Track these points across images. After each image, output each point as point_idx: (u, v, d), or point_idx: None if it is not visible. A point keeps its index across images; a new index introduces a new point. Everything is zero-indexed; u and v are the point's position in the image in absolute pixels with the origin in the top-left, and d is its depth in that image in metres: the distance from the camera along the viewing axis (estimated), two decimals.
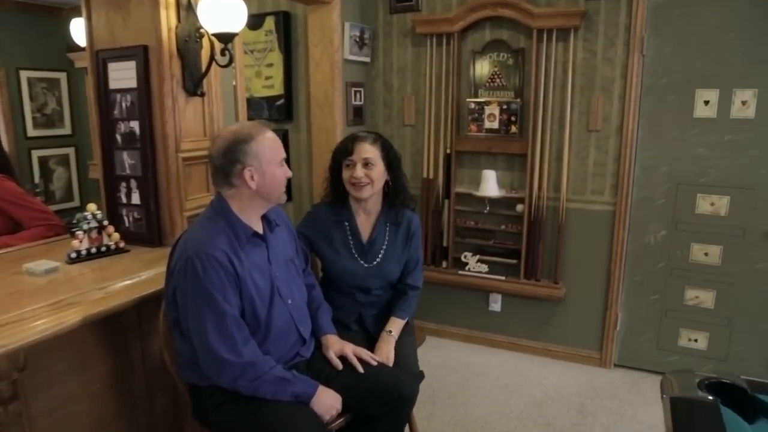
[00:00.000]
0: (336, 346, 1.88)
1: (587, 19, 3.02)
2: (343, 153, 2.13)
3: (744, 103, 2.84)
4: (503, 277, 3.42)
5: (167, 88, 2.16)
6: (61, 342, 1.71)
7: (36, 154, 5.03)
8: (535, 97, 3.15)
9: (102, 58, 2.25)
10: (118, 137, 2.25)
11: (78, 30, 2.49)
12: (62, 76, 5.24)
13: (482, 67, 3.30)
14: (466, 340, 3.66)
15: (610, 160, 3.12)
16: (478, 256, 3.47)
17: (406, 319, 2.19)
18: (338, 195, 2.18)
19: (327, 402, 1.67)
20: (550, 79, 3.12)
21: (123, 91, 2.23)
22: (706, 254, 3.06)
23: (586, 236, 3.25)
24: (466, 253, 3.50)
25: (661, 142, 3.03)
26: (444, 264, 3.60)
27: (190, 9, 2.13)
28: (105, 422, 1.99)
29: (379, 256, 2.17)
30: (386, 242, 2.19)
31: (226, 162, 1.63)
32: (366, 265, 2.16)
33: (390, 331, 2.11)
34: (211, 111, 2.37)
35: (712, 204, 2.99)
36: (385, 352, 2.04)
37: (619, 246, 3.18)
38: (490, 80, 3.28)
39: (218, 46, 2.14)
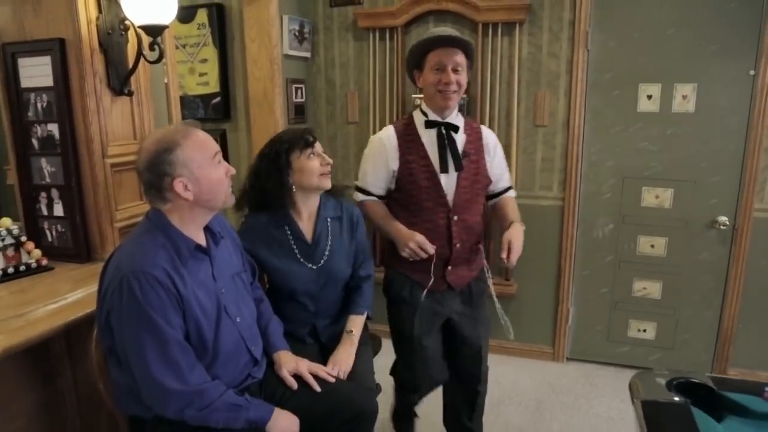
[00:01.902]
0: (290, 364, 1.74)
1: (532, 14, 2.99)
2: (304, 143, 1.94)
3: (684, 97, 2.88)
4: None
5: (89, 87, 1.95)
6: None
7: None
8: (481, 92, 3.10)
9: (10, 52, 2.00)
10: (35, 142, 2.01)
11: None
12: None
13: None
14: None
15: (557, 155, 3.11)
16: None
17: (365, 314, 2.06)
18: (278, 199, 1.97)
19: (283, 426, 1.53)
20: (496, 74, 3.08)
21: (38, 90, 1.99)
22: (652, 246, 3.11)
23: (536, 232, 3.22)
24: None
25: (607, 137, 3.05)
26: None
27: (114, 0, 1.92)
28: None
29: (326, 254, 2.02)
30: (330, 238, 2.03)
31: (154, 176, 1.44)
32: (313, 267, 1.99)
33: (351, 331, 1.98)
34: (141, 111, 2.16)
35: (657, 197, 3.04)
36: (344, 358, 1.91)
37: (568, 241, 3.18)
38: None
39: (146, 39, 1.93)
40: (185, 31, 3.42)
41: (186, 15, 3.37)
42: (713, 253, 3.01)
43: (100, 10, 1.93)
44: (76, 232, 1.99)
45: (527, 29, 3.02)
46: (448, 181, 2.02)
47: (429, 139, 2.03)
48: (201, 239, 1.55)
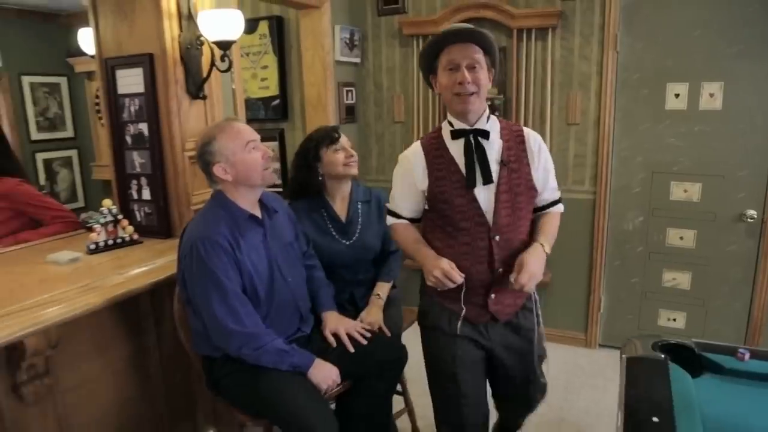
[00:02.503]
0: (331, 324, 2.07)
1: (564, 19, 3.20)
2: (329, 140, 2.33)
3: (711, 95, 3.02)
4: None
5: (172, 93, 2.34)
6: (87, 324, 1.90)
7: (40, 156, 5.21)
8: (516, 93, 3.34)
9: (110, 65, 2.43)
10: (128, 138, 2.43)
11: (86, 39, 2.66)
12: (62, 81, 5.41)
13: None
14: None
15: (589, 151, 3.31)
16: None
17: (392, 282, 2.40)
18: (314, 186, 2.34)
19: (323, 374, 1.86)
20: (531, 76, 3.31)
21: (131, 96, 2.41)
22: (681, 238, 3.25)
23: (569, 224, 3.40)
24: None
25: (636, 134, 3.22)
26: None
27: (191, 19, 2.31)
28: (125, 399, 2.18)
29: (357, 231, 2.38)
30: (361, 218, 2.40)
31: (203, 164, 1.87)
32: (347, 243, 2.35)
33: (378, 295, 2.33)
34: (212, 112, 2.55)
35: (686, 191, 3.18)
36: (373, 314, 2.25)
37: (600, 233, 3.37)
38: None
39: (218, 52, 2.31)
40: (249, 41, 3.83)
41: (249, 26, 3.78)
42: (742, 245, 3.12)
43: (181, 29, 2.32)
44: (160, 212, 2.40)
45: (560, 34, 3.23)
46: (486, 197, 1.74)
47: (458, 150, 1.76)
48: (255, 212, 1.91)
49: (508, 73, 3.37)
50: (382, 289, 2.37)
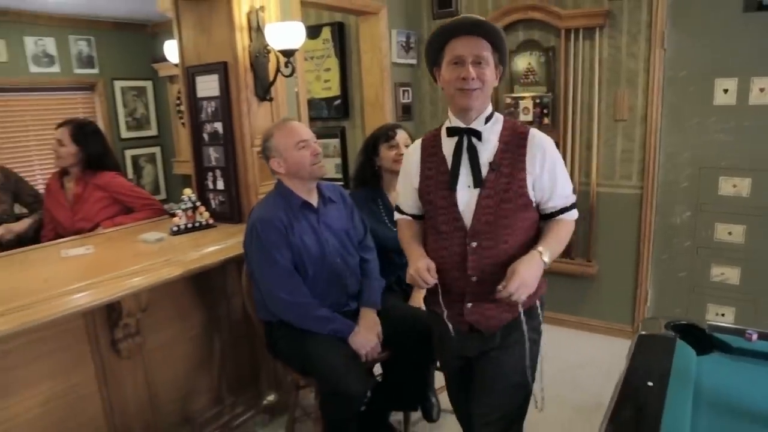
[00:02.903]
0: (358, 337, 2.17)
1: (611, 18, 3.30)
2: (385, 137, 2.61)
3: (762, 90, 3.04)
4: None
5: (242, 96, 2.67)
6: (169, 293, 2.26)
7: (129, 153, 5.79)
8: (564, 91, 3.46)
9: (191, 72, 2.79)
10: (205, 136, 2.79)
11: (170, 49, 3.03)
12: (148, 84, 5.98)
13: (517, 65, 3.63)
14: None
15: (636, 147, 3.39)
16: None
17: None
18: (372, 177, 2.64)
19: (361, 341, 2.13)
20: (578, 74, 3.42)
21: (208, 99, 2.75)
22: (729, 233, 3.27)
23: (616, 218, 3.53)
24: None
25: (684, 129, 3.27)
26: None
27: (259, 31, 2.62)
28: (199, 362, 2.54)
29: None
30: None
31: (264, 157, 2.21)
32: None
33: None
34: (277, 113, 2.86)
35: (734, 186, 3.21)
36: (417, 298, 2.48)
37: (646, 226, 3.44)
38: (524, 77, 3.62)
39: (282, 59, 2.61)
40: (313, 45, 4.14)
41: (313, 32, 4.09)
42: None
43: (251, 40, 2.64)
44: (232, 200, 2.74)
45: (607, 32, 3.33)
46: (468, 200, 1.66)
47: (451, 149, 1.69)
48: (312, 200, 2.18)
49: (556, 72, 3.50)
50: None
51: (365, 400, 2.12)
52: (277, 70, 2.69)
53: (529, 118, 3.58)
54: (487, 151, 1.66)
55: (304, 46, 3.54)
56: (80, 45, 5.24)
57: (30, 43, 4.90)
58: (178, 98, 5.26)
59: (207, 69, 2.72)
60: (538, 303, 1.76)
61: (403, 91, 3.96)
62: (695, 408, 1.37)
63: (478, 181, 1.64)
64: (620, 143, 3.44)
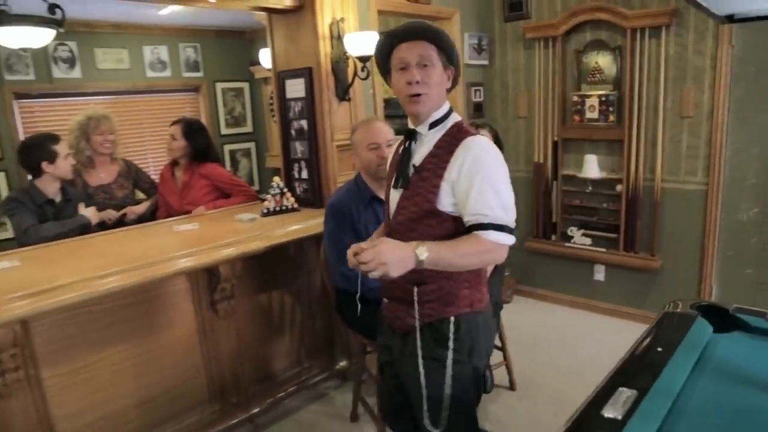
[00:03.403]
0: None
1: (678, 16, 3.37)
2: None
3: None
4: (604, 250, 3.88)
5: (324, 97, 3.04)
6: (258, 264, 2.67)
7: (227, 148, 6.39)
8: (630, 88, 3.57)
9: (281, 76, 3.20)
10: (293, 132, 3.19)
11: (264, 56, 3.47)
12: (245, 86, 6.57)
13: (584, 65, 3.78)
14: (572, 305, 4.16)
15: (702, 143, 3.44)
16: (582, 231, 3.97)
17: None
18: None
19: None
20: (644, 72, 3.52)
21: (295, 100, 3.15)
22: None
23: (681, 213, 3.60)
24: (571, 228, 4.02)
25: (751, 126, 3.29)
26: (553, 237, 4.14)
27: (340, 39, 2.97)
28: (282, 327, 2.95)
29: None
30: None
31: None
32: None
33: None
34: (355, 111, 3.21)
35: None
36: None
37: (712, 223, 3.49)
38: (590, 75, 3.76)
39: (359, 65, 2.96)
40: None
41: None
42: None
43: (332, 48, 3.01)
44: (314, 188, 3.13)
45: (674, 30, 3.40)
46: (395, 200, 1.70)
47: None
48: (382, 195, 2.48)
49: (622, 70, 3.62)
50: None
51: None
52: (355, 74, 3.04)
53: (595, 115, 3.72)
54: (420, 154, 1.65)
55: None
56: (188, 51, 5.89)
57: (147, 52, 5.59)
58: (271, 98, 5.77)
59: (295, 73, 3.12)
60: (451, 324, 1.64)
61: (475, 91, 4.20)
62: (700, 372, 1.56)
63: (404, 182, 1.65)
64: (686, 139, 3.50)
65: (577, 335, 3.73)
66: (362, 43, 2.85)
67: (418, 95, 1.57)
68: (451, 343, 1.64)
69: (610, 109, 3.67)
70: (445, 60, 1.62)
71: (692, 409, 1.38)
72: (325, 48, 2.99)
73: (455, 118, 1.67)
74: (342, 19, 3.00)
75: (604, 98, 3.68)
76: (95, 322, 2.30)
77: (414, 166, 1.63)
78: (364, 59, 2.91)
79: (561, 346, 3.56)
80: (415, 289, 1.63)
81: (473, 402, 1.75)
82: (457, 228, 1.59)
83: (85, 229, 2.91)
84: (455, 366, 1.64)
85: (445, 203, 1.58)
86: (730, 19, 1.82)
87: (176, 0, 2.93)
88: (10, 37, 2.95)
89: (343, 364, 3.17)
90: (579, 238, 3.97)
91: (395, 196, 1.69)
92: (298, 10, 3.00)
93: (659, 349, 1.64)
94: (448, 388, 1.64)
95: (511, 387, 3.09)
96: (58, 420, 2.26)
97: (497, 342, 3.04)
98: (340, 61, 3.03)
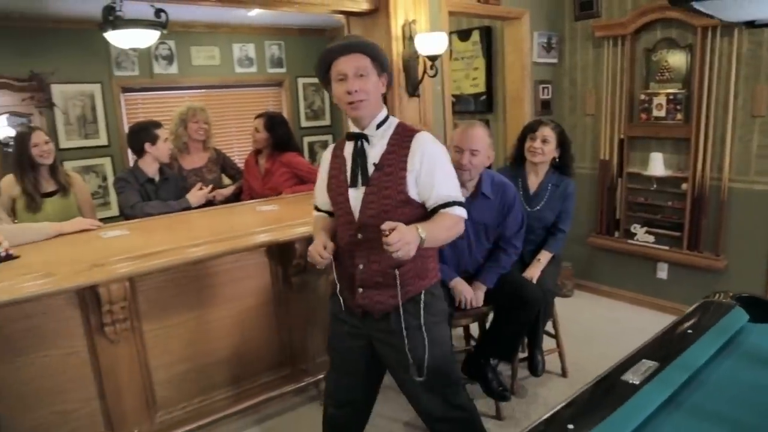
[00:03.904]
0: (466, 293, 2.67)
1: None
2: (530, 129, 3.05)
3: None
4: (667, 248, 3.89)
5: (395, 93, 3.28)
6: None
7: (306, 140, 6.78)
8: (699, 87, 3.57)
9: None
10: None
11: None
12: None
13: (652, 63, 3.81)
14: (634, 302, 4.18)
15: None
16: (645, 228, 4.00)
17: (553, 253, 3.00)
18: (519, 159, 3.11)
19: (459, 289, 2.62)
20: (714, 70, 3.51)
21: None
22: None
23: (749, 214, 3.56)
24: (635, 225, 4.06)
25: None
26: (616, 234, 4.19)
27: (411, 40, 3.20)
28: None
29: (540, 204, 3.03)
30: (547, 196, 3.04)
31: None
32: (528, 209, 3.02)
33: (539, 259, 2.96)
34: (423, 107, 3.43)
35: None
36: (531, 271, 2.90)
37: None
38: (659, 74, 3.78)
39: (428, 63, 3.17)
40: (463, 47, 4.65)
41: (465, 35, 4.60)
42: None
43: (404, 47, 3.24)
44: None
45: (747, 28, 3.38)
46: (357, 196, 1.88)
47: (350, 152, 1.93)
48: (465, 190, 2.55)
49: (692, 68, 3.62)
50: (544, 255, 3.00)
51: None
52: (424, 72, 3.26)
53: (662, 113, 3.75)
54: (375, 152, 1.87)
55: (455, 48, 4.13)
56: (273, 49, 6.31)
57: (236, 49, 6.06)
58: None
59: None
60: (423, 294, 1.93)
61: (543, 88, 4.30)
62: (728, 354, 1.66)
63: (364, 180, 1.86)
64: (756, 139, 3.47)
65: (636, 331, 3.71)
66: (431, 43, 3.06)
67: (360, 101, 1.79)
68: (428, 310, 1.93)
69: (678, 107, 3.68)
70: (379, 69, 1.84)
71: (711, 383, 1.51)
72: (397, 47, 3.23)
73: (395, 119, 1.94)
74: (414, 21, 3.23)
75: (672, 96, 3.69)
76: (188, 285, 2.66)
77: (374, 164, 1.85)
78: (433, 58, 3.13)
79: (618, 341, 3.61)
80: (397, 272, 1.85)
81: (450, 349, 2.09)
82: (423, 212, 1.87)
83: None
84: (434, 328, 1.94)
85: (413, 192, 1.84)
86: (751, 24, 1.88)
87: (263, 4, 3.24)
88: (122, 38, 3.39)
89: None
90: (642, 236, 4.00)
91: (356, 194, 1.88)
92: (373, 13, 3.25)
93: (689, 331, 1.75)
94: (428, 347, 1.90)
95: (563, 374, 3.21)
96: (155, 368, 2.64)
97: (550, 329, 3.18)
98: (410, 60, 3.26)
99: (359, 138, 1.88)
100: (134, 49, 3.87)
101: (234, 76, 6.11)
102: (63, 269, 2.26)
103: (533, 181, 3.08)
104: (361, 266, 1.91)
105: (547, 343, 3.16)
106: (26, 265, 2.33)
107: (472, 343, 3.05)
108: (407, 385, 2.01)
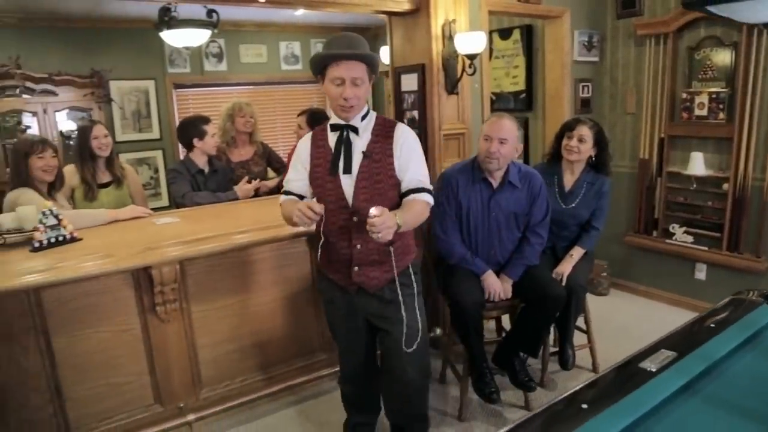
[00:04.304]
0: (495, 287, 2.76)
1: None
2: (567, 128, 3.10)
3: None
4: (706, 248, 3.85)
5: (434, 90, 3.36)
6: None
7: None
8: (743, 86, 3.52)
9: (398, 71, 3.57)
10: (405, 121, 3.56)
11: (384, 53, 3.86)
12: None
13: (695, 61, 3.77)
14: (670, 302, 4.15)
15: None
16: (684, 228, 3.97)
17: (586, 250, 3.04)
18: (556, 156, 3.15)
19: (488, 282, 2.72)
20: (760, 68, 3.46)
21: (409, 92, 3.51)
22: None
23: None
24: (673, 225, 4.03)
25: None
26: (654, 233, 4.17)
27: (451, 39, 3.28)
28: None
29: (575, 201, 3.07)
30: (582, 194, 3.08)
31: None
32: (564, 207, 3.08)
33: (571, 254, 3.01)
34: (462, 104, 3.50)
35: None
36: (563, 267, 2.96)
37: None
38: (702, 72, 3.74)
39: (467, 62, 3.25)
40: (504, 45, 4.69)
41: (505, 34, 4.64)
42: None
43: (443, 46, 3.32)
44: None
45: None
46: (349, 183, 2.05)
47: (333, 142, 2.09)
48: (493, 179, 2.74)
49: (736, 67, 3.57)
50: (576, 251, 3.04)
51: (477, 319, 2.68)
52: (463, 70, 3.33)
53: (704, 113, 3.71)
54: (362, 142, 2.07)
55: (496, 46, 4.19)
56: (318, 47, 6.49)
57: (282, 47, 6.26)
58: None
59: (409, 69, 3.48)
60: (410, 267, 2.20)
61: (583, 87, 4.31)
62: (751, 349, 1.70)
63: (347, 168, 2.04)
64: None
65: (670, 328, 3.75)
66: (470, 42, 3.13)
67: (352, 107, 2.00)
68: (414, 282, 2.22)
69: (721, 106, 3.64)
70: (370, 74, 2.04)
71: (729, 374, 1.56)
72: (437, 46, 3.31)
73: (373, 112, 2.16)
74: (454, 21, 3.30)
75: (714, 95, 3.66)
76: (233, 271, 2.82)
77: (363, 152, 2.05)
78: (472, 57, 3.20)
79: (651, 340, 3.61)
80: (392, 249, 2.09)
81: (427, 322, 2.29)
82: (400, 196, 2.09)
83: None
84: (418, 298, 2.22)
85: (399, 176, 2.07)
86: None
87: (308, 4, 3.37)
88: (176, 37, 3.60)
89: (437, 332, 3.50)
90: (681, 236, 3.97)
91: (348, 180, 2.05)
92: (414, 13, 3.35)
93: (712, 325, 1.79)
94: (419, 316, 2.19)
95: (594, 369, 3.25)
96: (201, 347, 2.81)
97: (582, 325, 3.21)
98: (450, 58, 3.34)
99: (344, 129, 2.06)
100: (187, 48, 4.09)
101: (280, 74, 6.32)
102: (120, 251, 2.46)
103: (569, 179, 3.13)
104: (358, 246, 2.09)
105: (579, 338, 3.20)
106: (88, 247, 2.54)
107: (503, 334, 3.12)
108: (397, 355, 2.19)
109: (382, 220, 1.78)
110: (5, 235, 2.58)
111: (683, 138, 3.92)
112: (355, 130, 2.07)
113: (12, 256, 2.45)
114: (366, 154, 2.05)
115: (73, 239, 2.59)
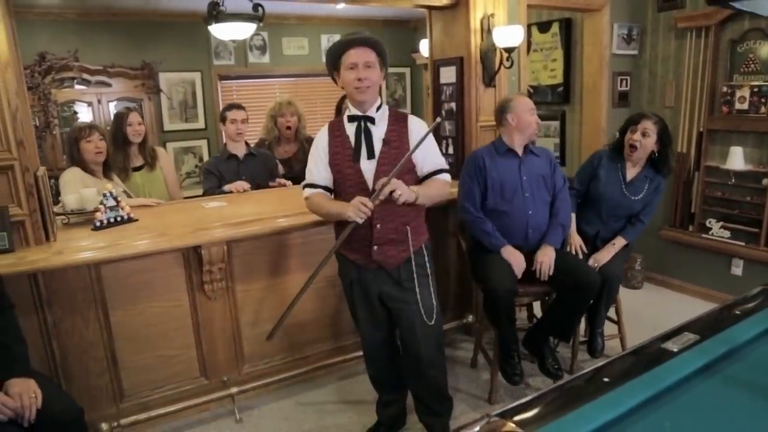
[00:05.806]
0: (540, 255, 2.82)
1: None
2: (632, 121, 3.13)
3: None
4: (743, 244, 3.83)
5: (472, 82, 3.44)
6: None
7: None
8: None
9: (437, 64, 3.66)
10: (443, 112, 3.65)
11: (423, 46, 3.95)
12: (407, 71, 7.15)
13: (738, 54, 3.74)
14: (705, 298, 4.12)
15: None
16: (721, 223, 3.95)
17: (628, 241, 3.09)
18: (619, 147, 3.19)
19: (507, 254, 2.78)
20: None
21: (447, 85, 3.60)
22: None
23: None
24: (710, 220, 4.01)
25: None
26: (690, 228, 4.15)
27: (489, 33, 3.35)
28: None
29: (635, 193, 3.11)
30: (644, 187, 3.12)
31: (500, 113, 2.90)
32: (626, 194, 3.12)
33: (613, 244, 3.07)
34: (499, 97, 3.54)
35: None
36: (602, 255, 3.02)
37: None
38: (744, 65, 3.71)
39: (505, 55, 3.31)
40: (542, 38, 4.72)
41: (544, 27, 4.67)
42: None
43: (482, 39, 3.39)
44: (458, 163, 3.53)
45: None
46: (370, 168, 2.22)
47: (352, 132, 2.26)
48: (517, 149, 2.87)
49: None
50: (619, 241, 3.09)
51: (509, 306, 2.74)
52: (501, 63, 3.40)
53: (745, 106, 3.69)
54: (380, 131, 2.26)
55: (534, 39, 4.24)
56: None
57: (324, 40, 6.40)
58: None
59: (448, 62, 3.56)
60: (424, 248, 2.36)
61: (621, 80, 4.31)
62: None
63: (371, 153, 2.23)
64: None
65: None
66: (508, 35, 3.20)
67: (366, 87, 2.17)
68: (428, 261, 2.36)
69: (763, 100, 3.61)
70: (381, 64, 2.23)
71: (750, 358, 1.61)
72: (475, 40, 3.39)
73: (386, 105, 2.34)
74: (492, 15, 3.37)
75: (756, 89, 3.63)
76: (276, 253, 2.98)
77: (383, 140, 2.24)
78: (509, 50, 3.26)
79: None
80: (408, 228, 2.27)
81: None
82: (416, 176, 2.30)
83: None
84: (431, 278, 2.37)
85: (415, 162, 2.27)
86: None
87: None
88: (224, 31, 3.75)
89: (469, 319, 3.60)
90: (717, 231, 3.95)
91: (369, 166, 2.23)
92: (454, 7, 3.43)
93: (737, 312, 1.84)
94: (433, 293, 2.37)
95: None
96: (244, 325, 2.98)
97: (613, 315, 3.26)
98: (488, 52, 3.41)
99: (362, 119, 2.24)
100: (233, 41, 4.25)
101: (321, 66, 6.34)
102: (174, 231, 2.64)
103: (631, 171, 3.15)
104: (378, 226, 2.24)
105: (610, 328, 3.25)
106: (144, 227, 2.73)
107: (534, 321, 3.19)
108: (412, 332, 2.35)
109: (397, 182, 2.06)
110: (69, 215, 2.79)
111: (722, 132, 3.89)
112: (372, 120, 2.25)
113: (75, 234, 2.66)
114: (385, 141, 2.24)
115: (130, 219, 2.78)
